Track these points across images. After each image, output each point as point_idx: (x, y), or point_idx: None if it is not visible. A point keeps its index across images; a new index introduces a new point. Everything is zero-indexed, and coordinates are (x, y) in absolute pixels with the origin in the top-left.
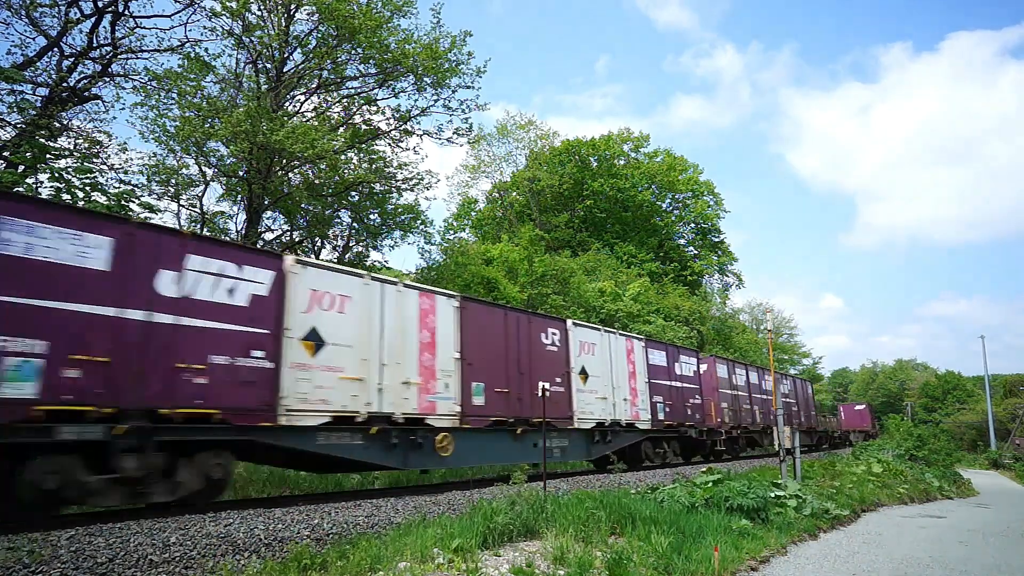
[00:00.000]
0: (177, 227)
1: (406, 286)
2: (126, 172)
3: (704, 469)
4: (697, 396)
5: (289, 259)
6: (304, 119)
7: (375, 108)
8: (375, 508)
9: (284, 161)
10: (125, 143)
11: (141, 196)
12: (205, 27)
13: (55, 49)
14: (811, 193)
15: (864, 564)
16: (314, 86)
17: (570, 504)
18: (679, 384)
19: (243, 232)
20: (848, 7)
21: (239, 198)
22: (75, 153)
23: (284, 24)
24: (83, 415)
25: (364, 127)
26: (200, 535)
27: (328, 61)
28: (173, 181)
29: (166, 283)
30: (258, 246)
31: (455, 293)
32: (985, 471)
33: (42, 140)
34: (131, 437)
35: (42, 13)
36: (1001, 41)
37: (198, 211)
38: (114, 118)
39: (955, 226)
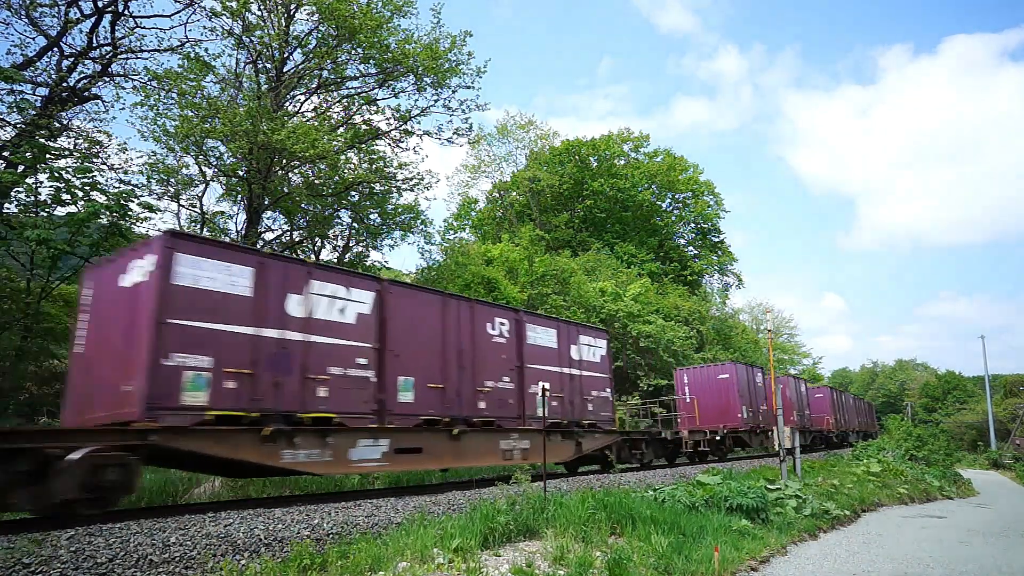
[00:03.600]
0: None
1: None
2: (126, 172)
3: (705, 469)
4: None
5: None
6: (304, 119)
7: (375, 108)
8: (375, 508)
9: (284, 161)
10: (125, 143)
11: (141, 196)
12: (205, 27)
13: (55, 49)
14: (811, 194)
15: (864, 564)
16: (314, 86)
17: (570, 504)
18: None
19: (243, 232)
20: (849, 9)
21: (239, 198)
22: (75, 153)
23: (284, 24)
24: None
25: (364, 127)
26: (200, 535)
27: (328, 61)
28: (173, 181)
29: None
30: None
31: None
32: (985, 471)
33: (42, 140)
34: None
35: (42, 13)
36: (1001, 43)
37: (198, 211)
38: (114, 118)
39: (955, 226)
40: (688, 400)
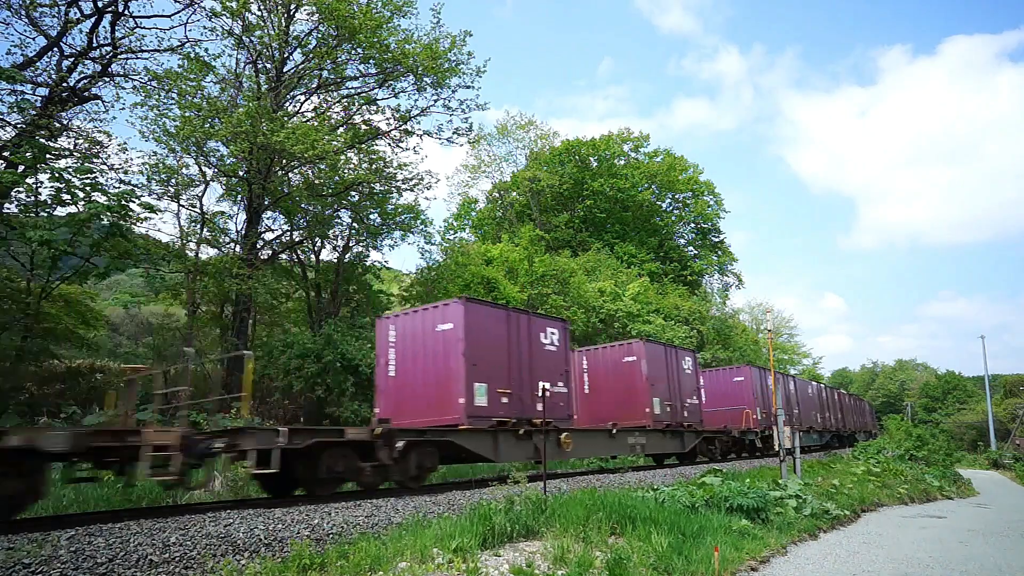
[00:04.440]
0: None
1: None
2: (126, 172)
3: (708, 469)
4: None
5: None
6: (304, 119)
7: (375, 108)
8: (375, 508)
9: (284, 161)
10: (125, 143)
11: (141, 196)
12: (205, 27)
13: (55, 49)
14: (811, 193)
15: (864, 564)
16: (314, 86)
17: (570, 504)
18: None
19: (243, 232)
20: (849, 9)
21: (239, 198)
22: (75, 153)
23: (284, 24)
24: None
25: (364, 127)
26: (200, 535)
27: (328, 61)
28: (173, 181)
29: None
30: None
31: None
32: (985, 471)
33: (42, 140)
34: None
35: (42, 13)
36: (1000, 44)
37: (198, 211)
38: (114, 118)
39: (955, 226)
40: (393, 374)
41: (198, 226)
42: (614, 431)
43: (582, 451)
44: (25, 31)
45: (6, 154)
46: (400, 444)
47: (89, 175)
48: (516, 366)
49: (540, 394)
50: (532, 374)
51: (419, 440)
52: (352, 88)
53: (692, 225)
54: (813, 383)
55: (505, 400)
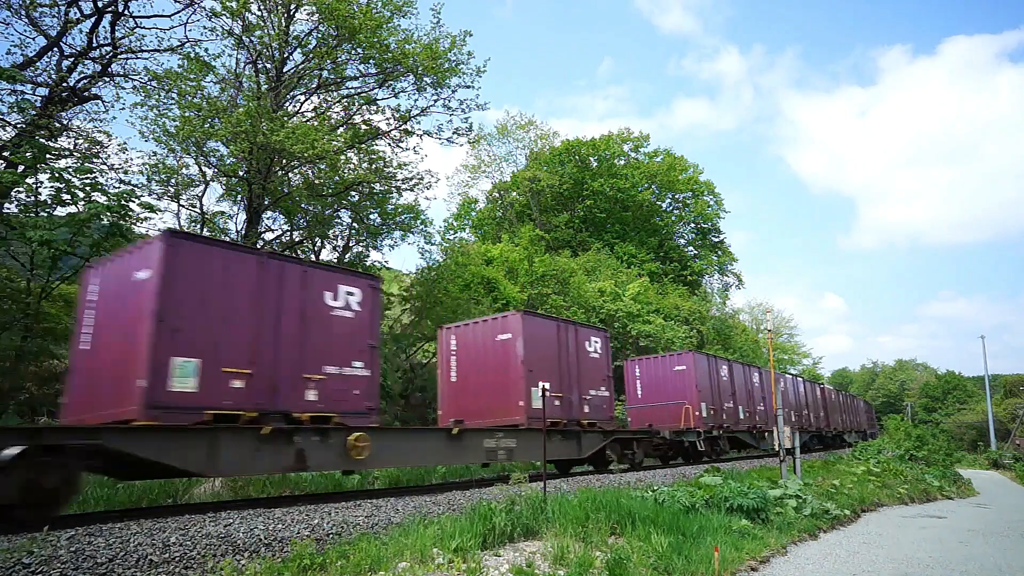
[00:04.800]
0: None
1: None
2: (126, 172)
3: (706, 470)
4: None
5: None
6: (304, 119)
7: (375, 108)
8: (375, 508)
9: (284, 161)
10: (125, 143)
11: (141, 196)
12: (205, 27)
13: (55, 49)
14: (811, 193)
15: (864, 564)
16: (314, 86)
17: (570, 504)
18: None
19: (243, 232)
20: (849, 9)
21: (239, 198)
22: (75, 153)
23: (284, 24)
24: None
25: (364, 127)
26: (200, 535)
27: (328, 61)
28: (173, 181)
29: None
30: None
31: None
32: (985, 471)
33: (42, 140)
34: None
35: (42, 13)
36: (1000, 44)
37: (198, 211)
38: (114, 118)
39: (955, 226)
40: (88, 347)
41: (198, 226)
42: (456, 431)
43: (392, 458)
44: (25, 31)
45: (6, 154)
46: (9, 453)
47: (89, 175)
48: (271, 337)
49: (315, 377)
50: (304, 350)
51: (38, 446)
52: (352, 88)
53: (692, 225)
54: (787, 376)
55: (240, 385)
